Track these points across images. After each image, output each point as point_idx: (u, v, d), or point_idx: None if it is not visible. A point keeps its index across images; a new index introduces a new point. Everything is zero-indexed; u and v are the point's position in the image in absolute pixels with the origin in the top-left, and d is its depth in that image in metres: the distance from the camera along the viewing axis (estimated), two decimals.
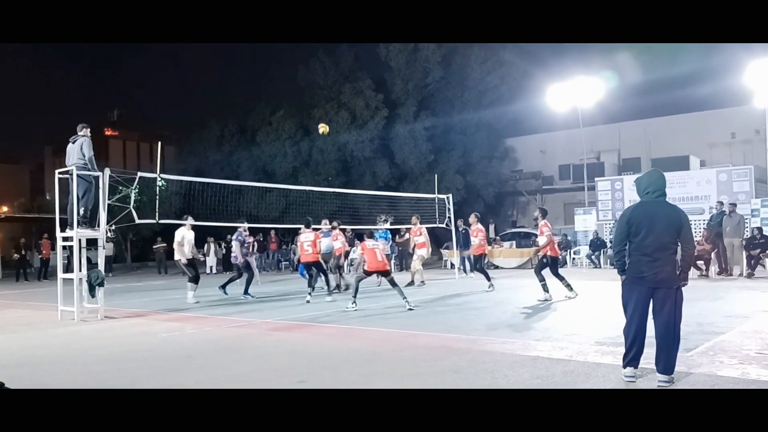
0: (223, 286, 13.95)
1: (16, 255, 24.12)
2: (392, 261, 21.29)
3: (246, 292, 13.51)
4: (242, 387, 5.36)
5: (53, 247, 21.62)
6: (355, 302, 10.76)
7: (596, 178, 24.30)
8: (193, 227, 13.38)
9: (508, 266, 21.38)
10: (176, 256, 13.30)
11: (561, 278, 11.58)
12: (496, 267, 21.67)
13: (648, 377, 5.07)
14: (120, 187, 11.31)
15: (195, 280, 13.11)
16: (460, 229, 18.74)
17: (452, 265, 19.64)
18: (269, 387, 5.33)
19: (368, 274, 11.31)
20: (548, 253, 11.57)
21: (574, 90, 24.93)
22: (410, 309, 10.28)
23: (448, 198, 18.71)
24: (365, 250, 11.21)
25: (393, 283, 10.92)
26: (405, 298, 10.56)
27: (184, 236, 13.09)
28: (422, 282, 15.27)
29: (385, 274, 11.28)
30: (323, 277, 13.18)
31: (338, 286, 14.21)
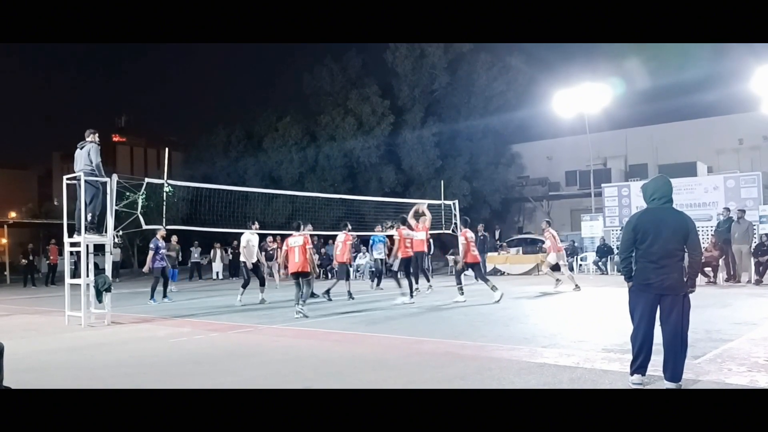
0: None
1: (24, 260, 24.22)
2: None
3: (158, 296, 14.47)
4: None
5: (61, 253, 21.75)
6: (300, 305, 10.72)
7: (603, 185, 24.23)
8: (177, 232, 13.86)
9: (515, 272, 21.33)
10: (242, 258, 13.95)
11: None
12: (502, 273, 21.64)
13: (656, 385, 5.04)
14: (127, 193, 11.34)
15: (246, 284, 13.71)
16: (479, 235, 18.76)
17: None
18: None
19: (294, 276, 10.98)
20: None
21: (581, 96, 24.92)
22: (303, 316, 10.42)
23: (454, 204, 18.66)
24: (287, 248, 11.07)
25: (307, 285, 10.79)
26: (302, 303, 10.62)
27: (249, 240, 13.80)
28: (558, 280, 14.86)
29: (303, 275, 10.82)
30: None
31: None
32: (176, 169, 37.49)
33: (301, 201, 21.30)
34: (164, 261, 14.86)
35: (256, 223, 14.36)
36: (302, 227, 11.28)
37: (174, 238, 17.29)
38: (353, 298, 13.45)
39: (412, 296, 12.70)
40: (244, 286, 13.69)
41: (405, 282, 12.98)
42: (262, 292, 13.75)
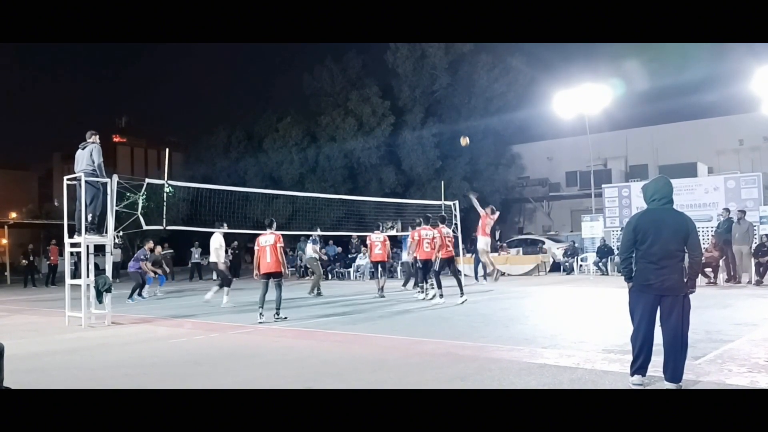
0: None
1: (24, 261, 24.23)
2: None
3: (133, 296, 15.10)
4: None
5: (61, 253, 21.75)
6: (275, 310, 10.37)
7: (603, 185, 24.20)
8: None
9: (515, 273, 21.33)
10: (213, 259, 13.86)
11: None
12: (503, 274, 21.63)
13: (656, 385, 5.04)
14: (128, 194, 11.35)
15: (229, 284, 13.73)
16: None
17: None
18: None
19: (265, 277, 10.59)
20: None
21: (581, 97, 24.90)
22: (283, 318, 10.21)
23: (454, 204, 18.69)
24: (259, 248, 10.60)
25: (278, 287, 10.44)
26: (278, 308, 10.32)
27: (221, 242, 13.77)
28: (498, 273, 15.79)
29: (275, 276, 10.50)
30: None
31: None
32: (176, 169, 37.50)
33: (302, 201, 21.36)
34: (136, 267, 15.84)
35: (225, 224, 14.20)
36: (273, 225, 10.80)
37: (158, 249, 17.47)
38: (384, 296, 13.80)
39: (441, 296, 12.54)
40: (228, 285, 13.59)
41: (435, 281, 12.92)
42: (227, 294, 13.59)
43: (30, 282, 23.47)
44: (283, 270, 10.71)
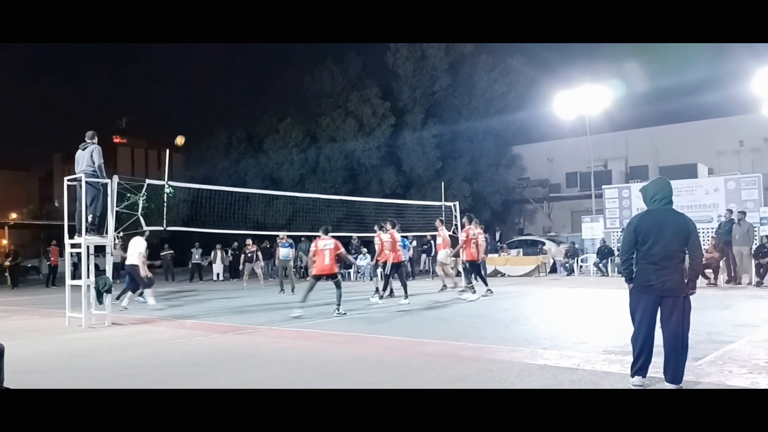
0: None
1: (7, 263, 24.05)
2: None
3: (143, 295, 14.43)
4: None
5: (62, 254, 21.73)
6: (301, 309, 10.91)
7: (603, 186, 24.23)
8: (165, 233, 14.17)
9: (515, 274, 21.33)
10: (135, 261, 13.36)
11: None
12: (503, 275, 21.63)
13: (656, 386, 5.03)
14: (128, 195, 11.35)
15: (148, 286, 13.67)
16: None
17: (458, 273, 19.58)
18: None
19: (317, 278, 11.29)
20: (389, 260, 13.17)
21: (582, 98, 24.92)
22: (342, 314, 10.86)
23: (454, 205, 18.70)
24: (317, 251, 11.26)
25: (337, 285, 11.29)
26: (338, 304, 11.08)
27: (144, 245, 13.50)
28: (445, 286, 15.74)
29: (332, 277, 11.30)
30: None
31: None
32: (177, 170, 37.42)
33: (302, 202, 21.35)
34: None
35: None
36: (330, 231, 11.58)
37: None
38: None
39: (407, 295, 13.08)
40: (148, 287, 13.62)
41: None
42: (129, 299, 13.63)
43: (15, 282, 23.27)
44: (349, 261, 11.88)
